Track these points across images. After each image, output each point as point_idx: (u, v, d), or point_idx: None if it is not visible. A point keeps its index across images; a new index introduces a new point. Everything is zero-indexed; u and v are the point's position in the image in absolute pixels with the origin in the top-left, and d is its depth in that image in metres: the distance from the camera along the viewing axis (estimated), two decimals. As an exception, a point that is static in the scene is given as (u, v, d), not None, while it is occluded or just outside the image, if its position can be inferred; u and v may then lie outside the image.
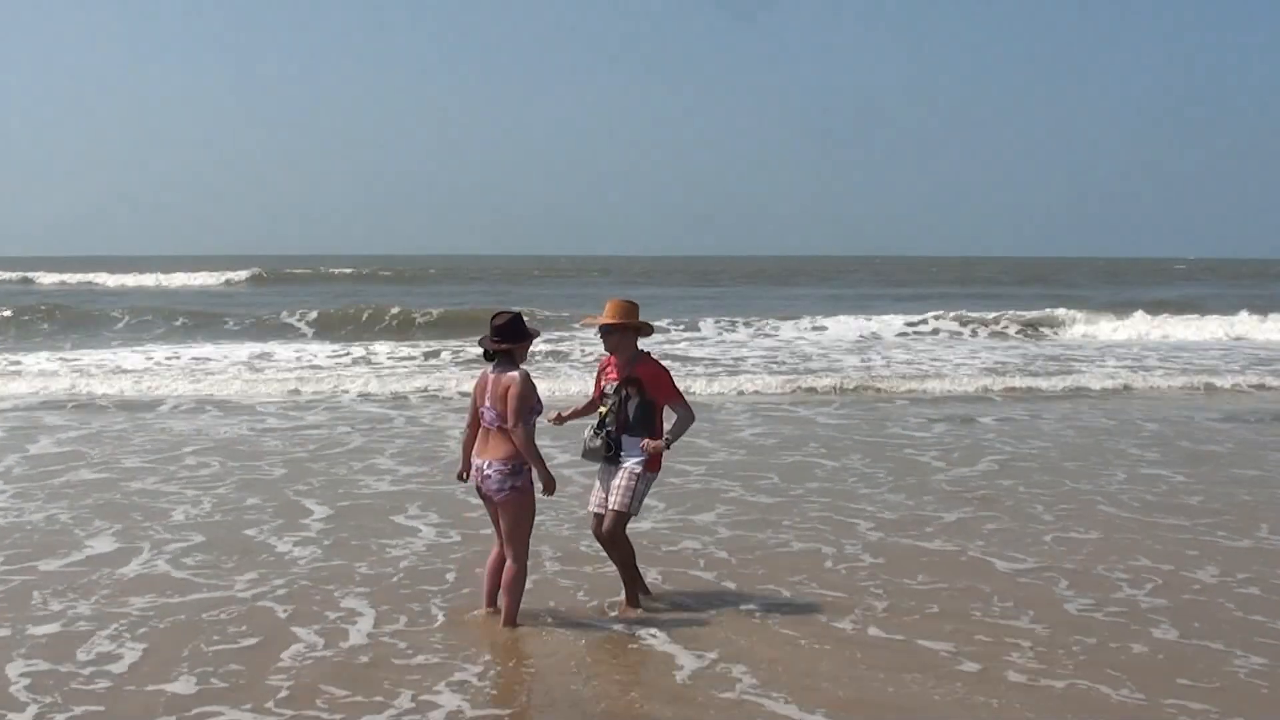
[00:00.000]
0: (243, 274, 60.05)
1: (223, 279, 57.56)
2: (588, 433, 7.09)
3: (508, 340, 6.58)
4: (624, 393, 7.01)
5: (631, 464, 6.97)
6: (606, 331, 7.03)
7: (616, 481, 6.94)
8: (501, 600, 6.85)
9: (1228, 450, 13.74)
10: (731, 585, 7.97)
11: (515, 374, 6.52)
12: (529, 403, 6.50)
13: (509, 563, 6.72)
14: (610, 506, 6.98)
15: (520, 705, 6.01)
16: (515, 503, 6.54)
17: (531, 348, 6.86)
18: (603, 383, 7.18)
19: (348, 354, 24.21)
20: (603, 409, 7.08)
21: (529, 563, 6.94)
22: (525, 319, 6.76)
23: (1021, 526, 9.73)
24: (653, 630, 6.96)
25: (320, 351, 24.76)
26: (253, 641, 6.85)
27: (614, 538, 7.01)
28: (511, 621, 6.78)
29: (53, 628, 7.07)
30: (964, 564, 8.56)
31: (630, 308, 7.05)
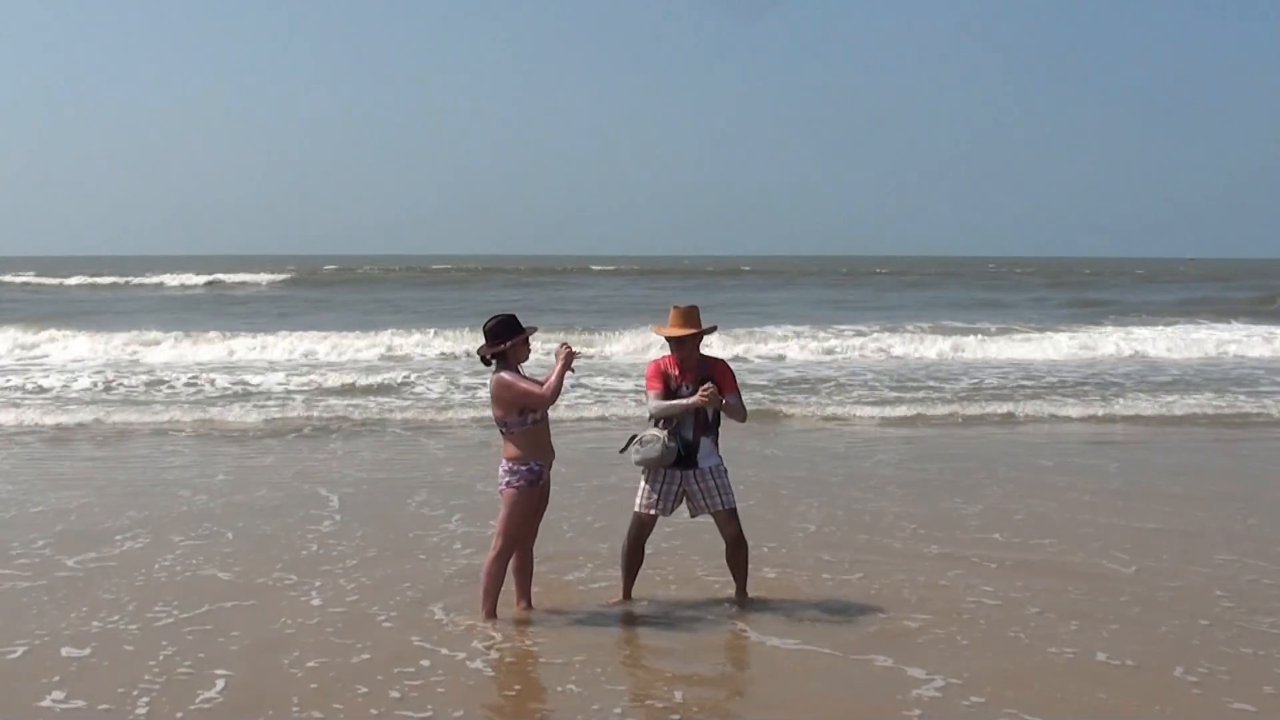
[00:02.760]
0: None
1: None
2: (651, 440, 6.85)
3: (487, 345, 6.56)
4: None
5: (713, 464, 7.00)
6: (680, 340, 6.98)
7: (711, 484, 7.01)
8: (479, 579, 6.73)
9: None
10: (873, 593, 7.31)
11: (491, 378, 6.52)
12: (521, 403, 6.43)
13: (490, 551, 6.64)
14: (724, 507, 7.04)
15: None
16: (508, 497, 6.58)
17: (529, 345, 6.68)
18: (671, 386, 7.03)
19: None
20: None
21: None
22: (510, 319, 6.61)
23: (1036, 518, 9.33)
24: (850, 650, 6.22)
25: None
26: (366, 657, 5.86)
27: (741, 535, 7.10)
28: (484, 606, 6.62)
29: (84, 650, 5.93)
30: (1063, 566, 7.94)
31: (693, 313, 7.07)
